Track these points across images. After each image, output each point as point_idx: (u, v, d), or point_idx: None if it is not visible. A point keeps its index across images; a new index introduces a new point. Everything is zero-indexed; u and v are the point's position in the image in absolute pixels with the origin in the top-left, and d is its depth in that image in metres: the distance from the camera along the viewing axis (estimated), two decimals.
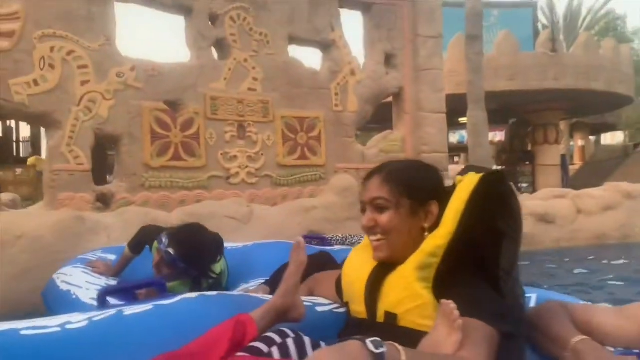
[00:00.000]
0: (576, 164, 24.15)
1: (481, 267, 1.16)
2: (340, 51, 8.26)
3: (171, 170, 6.91)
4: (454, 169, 11.05)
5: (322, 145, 8.06)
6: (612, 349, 1.13)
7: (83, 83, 6.43)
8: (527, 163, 18.78)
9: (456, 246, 1.14)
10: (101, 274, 2.92)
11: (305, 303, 1.36)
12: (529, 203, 7.75)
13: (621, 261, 6.75)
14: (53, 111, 6.27)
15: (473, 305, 1.07)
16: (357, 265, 1.33)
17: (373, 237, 1.25)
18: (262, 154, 7.64)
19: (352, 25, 8.81)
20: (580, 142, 27.34)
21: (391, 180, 1.25)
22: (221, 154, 7.31)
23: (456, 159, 26.06)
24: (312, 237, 3.76)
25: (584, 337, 1.08)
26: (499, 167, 18.10)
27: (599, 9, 28.86)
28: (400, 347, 0.89)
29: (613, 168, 18.98)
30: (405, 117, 8.77)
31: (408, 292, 1.13)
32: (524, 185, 17.67)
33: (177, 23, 7.48)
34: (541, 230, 7.77)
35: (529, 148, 18.89)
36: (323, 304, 1.47)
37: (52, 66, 6.24)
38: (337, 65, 8.23)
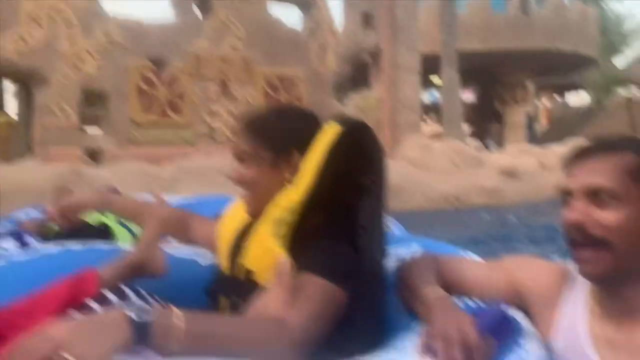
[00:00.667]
0: (543, 124, 25.10)
1: (340, 222, 1.08)
2: (319, 10, 8.53)
3: (157, 127, 7.19)
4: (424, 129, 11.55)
5: (302, 103, 8.42)
6: (470, 303, 1.10)
7: (70, 39, 6.59)
8: (495, 122, 19.52)
9: (314, 201, 1.06)
10: None
11: (172, 255, 1.30)
12: (495, 159, 8.35)
13: None
14: (39, 67, 6.43)
15: (315, 261, 1.01)
16: (232, 218, 1.25)
17: (242, 192, 1.16)
18: (242, 112, 7.96)
19: None
20: (546, 102, 28.30)
21: (250, 131, 1.14)
22: (206, 112, 7.60)
23: (427, 119, 26.67)
24: None
25: (438, 289, 1.04)
26: (469, 126, 18.76)
27: None
28: (181, 314, 0.82)
29: (577, 129, 19.90)
30: (382, 76, 9.17)
31: (263, 248, 1.07)
32: (492, 142, 18.43)
33: None
34: (507, 186, 8.40)
35: (497, 107, 19.57)
36: (185, 256, 1.37)
37: (37, 23, 6.36)
38: (316, 24, 8.50)
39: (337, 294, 0.99)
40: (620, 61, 27.95)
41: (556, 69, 19.24)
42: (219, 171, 6.36)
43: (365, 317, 1.09)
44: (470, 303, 1.07)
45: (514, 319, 0.99)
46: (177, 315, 0.81)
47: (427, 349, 0.85)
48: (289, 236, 1.06)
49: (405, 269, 1.15)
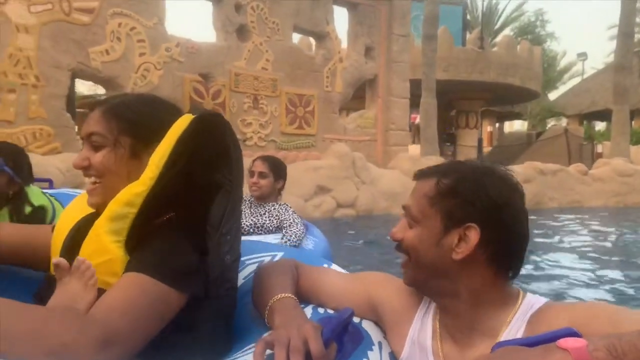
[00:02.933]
0: (485, 147, 28.08)
1: (188, 220, 0.98)
2: (332, 42, 10.40)
3: None
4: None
5: (314, 119, 10.20)
6: (327, 312, 1.08)
7: (140, 54, 8.05)
8: (449, 144, 22.04)
9: (160, 195, 0.96)
10: None
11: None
12: None
13: (534, 220, 9.62)
14: (117, 76, 7.85)
15: (145, 259, 0.92)
16: (70, 213, 1.13)
17: (88, 180, 1.04)
18: (269, 123, 9.63)
19: (339, 20, 10.93)
20: (488, 128, 31.49)
21: (113, 114, 1.02)
22: (240, 120, 9.22)
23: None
24: None
25: (287, 295, 0.99)
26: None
27: (514, 9, 32.92)
28: None
29: (518, 152, 22.74)
30: (377, 99, 11.13)
31: (96, 246, 0.96)
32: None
33: (204, 8, 9.16)
34: None
35: (452, 130, 22.12)
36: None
37: (118, 39, 7.80)
38: (329, 53, 10.36)
39: (169, 295, 0.90)
40: (553, 95, 31.69)
41: (506, 99, 22.08)
42: None
43: (211, 323, 1.01)
44: (321, 311, 1.06)
45: (362, 329, 1.03)
46: None
47: (262, 356, 0.79)
48: (126, 234, 0.95)
49: (260, 272, 1.10)
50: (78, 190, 2.20)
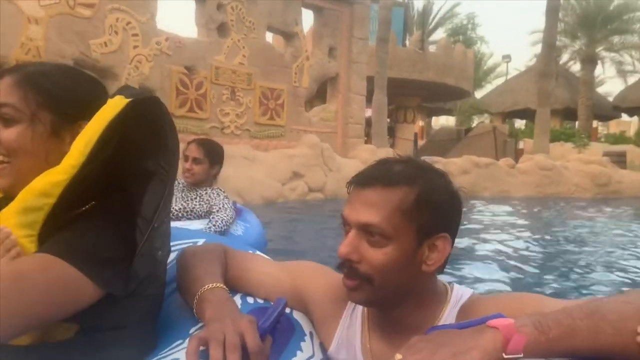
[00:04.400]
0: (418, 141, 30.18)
1: (115, 210, 0.89)
2: (300, 41, 11.51)
3: (187, 119, 9.60)
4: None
5: (284, 111, 11.30)
6: (257, 302, 1.05)
7: (134, 47, 8.80)
8: (388, 137, 23.75)
9: (83, 184, 0.87)
10: None
11: None
12: None
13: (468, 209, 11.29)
14: (113, 67, 8.57)
15: (57, 243, 0.83)
16: None
17: None
18: (244, 113, 10.63)
19: (306, 21, 12.05)
20: (420, 123, 33.78)
21: (28, 83, 0.91)
22: (219, 110, 10.16)
23: None
24: None
25: (216, 285, 0.93)
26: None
27: (447, 11, 35.26)
28: None
29: (449, 146, 24.84)
30: (338, 95, 12.40)
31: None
32: None
33: (188, 6, 9.99)
34: None
35: (391, 124, 23.84)
36: None
37: (116, 32, 8.52)
38: (297, 51, 11.48)
39: (77, 281, 0.80)
40: (479, 94, 34.41)
41: (441, 97, 24.07)
42: (243, 157, 9.06)
43: (138, 322, 0.94)
44: (250, 300, 1.02)
45: (293, 319, 1.01)
46: None
47: (196, 354, 0.75)
48: (40, 227, 0.85)
49: (187, 258, 1.03)
50: None
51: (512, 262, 5.19)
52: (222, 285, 0.96)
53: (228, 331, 0.79)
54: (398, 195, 0.88)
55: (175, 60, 9.42)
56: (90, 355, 0.85)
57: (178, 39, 9.48)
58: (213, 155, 3.04)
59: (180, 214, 2.85)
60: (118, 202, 0.91)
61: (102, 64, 8.42)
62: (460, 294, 0.97)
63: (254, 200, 8.96)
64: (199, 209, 2.88)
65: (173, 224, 2.58)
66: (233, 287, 1.03)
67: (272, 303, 0.97)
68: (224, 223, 2.71)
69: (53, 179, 0.87)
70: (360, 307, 1.02)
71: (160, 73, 9.20)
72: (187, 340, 0.82)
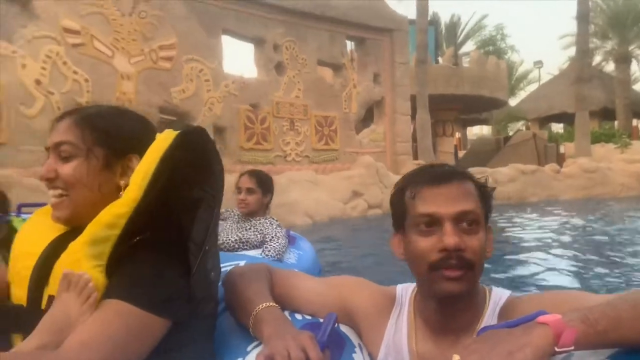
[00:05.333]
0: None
1: (171, 239, 0.95)
2: (347, 71, 12.52)
3: (254, 151, 10.66)
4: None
5: (337, 136, 12.27)
6: (305, 318, 1.10)
7: (207, 91, 9.95)
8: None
9: (142, 215, 0.93)
10: None
11: None
12: None
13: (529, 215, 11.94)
14: (190, 110, 9.72)
15: (126, 286, 0.89)
16: (34, 235, 1.03)
17: (53, 192, 1.00)
18: (303, 141, 11.64)
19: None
20: (457, 134, 34.32)
21: (85, 123, 1.01)
22: (281, 140, 11.20)
23: None
24: None
25: (270, 304, 0.99)
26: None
27: (475, 23, 35.96)
28: None
29: (489, 156, 25.31)
30: (384, 117, 13.32)
31: (74, 270, 0.90)
32: None
33: (246, 49, 11.13)
34: None
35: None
36: None
37: (191, 80, 9.68)
38: (345, 80, 12.48)
39: (151, 322, 0.87)
40: (512, 101, 34.79)
41: (476, 109, 24.70)
42: (308, 180, 10.02)
43: (197, 344, 0.99)
44: (298, 317, 1.07)
45: (346, 335, 1.06)
46: None
47: None
48: (108, 257, 0.91)
49: (236, 279, 1.09)
50: None
51: (567, 261, 5.55)
52: (274, 304, 1.01)
53: (291, 347, 0.83)
54: (471, 187, 0.99)
55: (241, 100, 10.53)
56: None
57: (242, 81, 10.61)
58: (264, 184, 3.09)
59: (236, 245, 2.88)
60: (171, 230, 0.96)
61: (182, 109, 9.58)
62: (499, 295, 1.02)
63: (322, 219, 9.89)
64: (253, 239, 2.89)
65: (227, 255, 2.33)
66: (280, 304, 1.06)
67: (319, 319, 1.03)
68: (276, 252, 2.71)
69: (118, 211, 0.92)
70: (405, 313, 1.07)
71: (230, 112, 10.31)
72: (248, 357, 0.91)
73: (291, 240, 3.07)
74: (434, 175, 1.00)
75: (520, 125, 35.13)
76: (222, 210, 3.26)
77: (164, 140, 0.96)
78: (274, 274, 1.15)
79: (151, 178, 0.93)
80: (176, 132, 0.98)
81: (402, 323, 1.06)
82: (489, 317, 0.99)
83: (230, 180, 2.94)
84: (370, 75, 13.04)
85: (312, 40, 11.81)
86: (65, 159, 0.99)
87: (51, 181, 0.99)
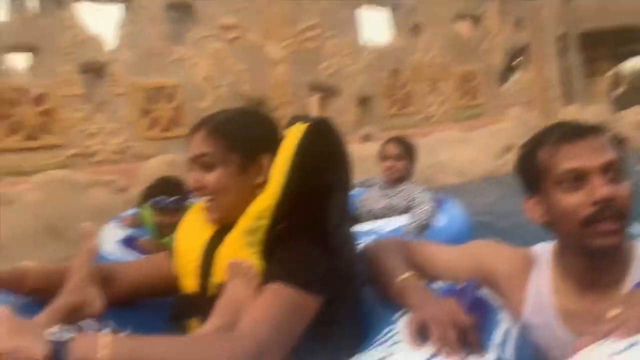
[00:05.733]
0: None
1: (311, 224, 1.06)
2: (488, 21, 12.10)
3: (398, 116, 10.89)
4: None
5: (480, 90, 12.01)
6: (441, 284, 1.14)
7: (348, 65, 10.34)
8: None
9: (284, 205, 1.06)
10: None
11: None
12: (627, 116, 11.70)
13: None
14: (336, 84, 10.20)
15: (282, 268, 1.01)
16: (193, 231, 1.19)
17: (203, 199, 1.15)
18: (445, 101, 11.59)
19: None
20: (611, 71, 31.12)
21: (217, 133, 1.12)
22: (423, 103, 11.27)
23: None
24: None
25: (410, 274, 1.06)
26: None
27: None
28: (108, 337, 0.76)
29: None
30: (531, 64, 12.72)
31: (237, 258, 1.05)
32: None
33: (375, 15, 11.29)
34: None
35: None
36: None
37: (333, 56, 10.15)
38: (485, 31, 12.09)
39: (306, 301, 0.98)
40: None
41: (632, 42, 22.20)
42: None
43: (347, 318, 1.09)
44: (434, 286, 1.13)
45: (488, 299, 1.07)
46: (103, 339, 0.76)
47: (419, 336, 0.87)
48: (262, 244, 1.06)
49: (374, 254, 1.17)
50: None
51: None
52: (415, 273, 1.08)
53: (442, 312, 0.88)
54: (607, 140, 1.00)
55: (381, 68, 10.80)
56: (313, 349, 0.94)
57: (380, 49, 10.85)
58: (410, 150, 3.09)
59: (383, 212, 2.92)
60: (311, 215, 1.07)
61: (329, 84, 10.13)
62: None
63: (473, 177, 9.93)
64: (400, 205, 2.92)
65: (376, 222, 2.67)
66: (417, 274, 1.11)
67: (456, 286, 1.07)
68: (425, 216, 2.72)
69: (263, 205, 1.06)
70: (546, 270, 1.07)
71: (371, 81, 10.65)
72: (397, 325, 0.96)
73: (439, 204, 3.03)
74: (570, 131, 1.01)
75: None
76: (365, 178, 3.48)
77: (294, 135, 1.09)
78: (408, 246, 1.20)
79: (287, 172, 1.06)
80: (305, 126, 1.10)
81: (544, 281, 1.07)
82: (637, 271, 0.99)
83: (375, 148, 3.19)
84: (512, 21, 12.48)
85: None
86: (207, 169, 1.11)
87: (199, 190, 1.13)
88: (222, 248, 1.09)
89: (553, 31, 12.70)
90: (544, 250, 1.13)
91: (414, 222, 2.69)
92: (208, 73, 8.60)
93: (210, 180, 1.11)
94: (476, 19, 12.17)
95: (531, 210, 1.08)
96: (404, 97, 11.05)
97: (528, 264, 1.11)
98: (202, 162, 1.11)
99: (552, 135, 1.03)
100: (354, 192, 3.09)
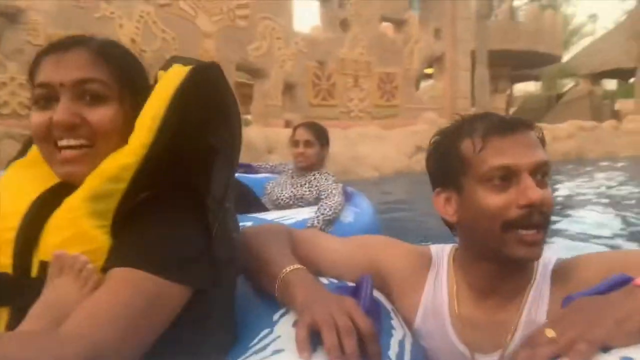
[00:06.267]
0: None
1: (185, 193, 0.81)
2: (409, 27, 12.69)
3: (321, 107, 11.12)
4: None
5: (398, 92, 12.57)
6: (331, 282, 0.98)
7: (278, 49, 10.37)
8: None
9: (152, 166, 0.78)
10: None
11: None
12: None
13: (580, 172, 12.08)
14: (264, 67, 10.18)
15: (137, 250, 0.74)
16: (12, 192, 0.84)
17: (68, 141, 0.80)
18: (366, 98, 12.00)
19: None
20: (507, 91, 33.85)
21: (108, 57, 0.83)
22: (345, 97, 11.59)
23: None
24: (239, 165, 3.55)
25: (298, 266, 0.87)
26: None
27: None
28: None
29: (541, 113, 25.03)
30: (445, 73, 13.51)
31: (72, 232, 0.75)
32: None
33: (310, 6, 11.43)
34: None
35: None
36: None
37: (264, 38, 10.11)
38: (407, 36, 12.67)
39: (169, 292, 0.73)
40: (565, 56, 33.82)
41: (530, 65, 24.33)
42: (375, 136, 10.44)
43: (217, 317, 0.84)
44: (324, 281, 0.95)
45: (379, 299, 0.93)
46: None
47: (308, 343, 0.69)
48: (112, 216, 0.77)
49: (252, 240, 0.96)
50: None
51: (621, 220, 5.48)
52: (302, 266, 0.89)
53: (336, 314, 0.71)
54: (537, 138, 0.91)
55: (309, 57, 10.93)
56: (172, 352, 0.74)
57: (310, 38, 10.97)
58: (322, 136, 2.89)
59: (290, 202, 2.78)
60: (185, 184, 0.81)
61: (256, 65, 10.07)
62: (546, 257, 0.94)
63: (387, 173, 10.36)
64: (308, 195, 2.77)
65: (281, 212, 2.56)
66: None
67: (346, 283, 0.94)
68: (332, 210, 2.54)
69: (123, 162, 0.77)
70: (444, 274, 0.98)
71: (299, 69, 10.74)
72: (275, 329, 0.79)
73: (348, 197, 2.84)
74: (500, 123, 0.89)
75: (570, 81, 34.27)
76: (276, 163, 3.39)
77: (175, 76, 0.82)
78: (294, 234, 1.04)
79: (161, 121, 0.79)
80: (188, 68, 0.83)
81: (440, 285, 0.98)
82: (541, 280, 0.92)
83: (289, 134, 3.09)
84: (432, 30, 13.17)
85: None
86: (93, 102, 0.80)
87: (71, 129, 0.79)
88: (56, 215, 0.77)
89: (467, 45, 13.55)
90: (441, 251, 1.02)
91: (321, 215, 2.49)
92: (134, 36, 8.20)
93: (98, 118, 0.79)
94: (399, 23, 12.69)
95: (441, 205, 0.95)
96: (329, 88, 11.26)
97: (425, 265, 1.00)
98: (85, 91, 0.79)
99: (479, 125, 0.90)
100: (262, 177, 3.09)
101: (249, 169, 3.35)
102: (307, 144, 2.83)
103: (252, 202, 2.70)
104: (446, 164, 0.93)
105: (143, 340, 0.69)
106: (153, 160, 0.78)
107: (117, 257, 0.74)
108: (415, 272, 0.99)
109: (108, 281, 0.71)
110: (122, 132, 0.80)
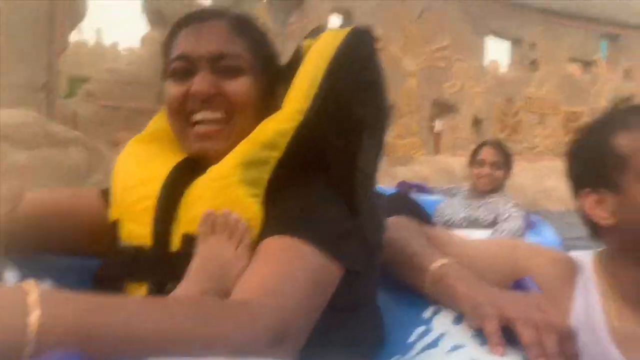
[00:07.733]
0: None
1: (340, 166, 0.74)
2: (598, 69, 12.84)
3: (507, 141, 11.71)
4: None
5: None
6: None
7: (470, 87, 11.28)
8: None
9: (307, 134, 0.72)
10: None
11: None
12: None
13: None
14: (456, 103, 11.13)
15: (299, 220, 0.67)
16: (143, 163, 0.80)
17: (205, 115, 0.75)
18: (551, 135, 12.34)
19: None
20: None
21: (247, 33, 0.79)
22: (530, 133, 12.04)
23: None
24: (412, 185, 3.34)
25: (451, 259, 0.80)
26: None
27: None
28: (35, 287, 0.45)
29: None
30: None
31: (222, 200, 0.69)
32: None
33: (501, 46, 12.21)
34: None
35: None
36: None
37: (458, 77, 11.11)
38: (594, 77, 12.81)
39: (330, 267, 0.65)
40: None
41: None
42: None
43: (368, 295, 0.77)
44: None
45: None
46: (32, 295, 0.45)
47: (500, 336, 0.63)
48: (265, 185, 0.71)
49: (392, 231, 0.88)
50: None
51: None
52: (455, 259, 0.81)
53: (531, 309, 0.66)
54: None
55: (497, 94, 11.70)
56: (324, 341, 0.63)
57: (499, 77, 11.76)
58: (509, 159, 2.76)
59: (463, 224, 2.67)
60: (338, 155, 0.73)
61: (450, 102, 11.10)
62: None
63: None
64: (484, 218, 2.66)
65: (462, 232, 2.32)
66: None
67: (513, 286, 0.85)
68: (511, 234, 2.46)
69: (280, 127, 0.71)
70: (592, 280, 0.88)
71: (487, 105, 11.56)
72: (433, 326, 0.72)
73: (530, 225, 2.71)
74: None
75: None
76: (451, 186, 3.17)
77: (333, 38, 0.75)
78: (427, 231, 0.97)
79: (319, 85, 0.72)
80: (345, 31, 0.76)
81: (591, 296, 0.88)
82: None
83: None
84: (621, 71, 13.19)
85: (566, 38, 12.46)
86: (230, 74, 0.75)
87: (209, 100, 0.74)
88: (198, 184, 0.71)
89: None
90: (582, 257, 0.94)
91: (498, 238, 2.37)
92: None
93: (235, 90, 0.75)
94: (587, 64, 12.95)
95: (592, 208, 0.85)
96: (514, 124, 11.89)
97: (573, 272, 0.91)
98: (222, 64, 0.75)
99: (633, 118, 0.82)
100: (433, 199, 2.91)
101: (422, 189, 3.25)
102: (495, 165, 2.64)
103: (424, 220, 3.34)
104: (597, 160, 0.84)
105: (314, 317, 0.61)
106: (308, 127, 0.71)
107: (275, 225, 0.66)
108: (562, 279, 0.91)
109: (272, 248, 0.65)
110: (257, 108, 0.75)
